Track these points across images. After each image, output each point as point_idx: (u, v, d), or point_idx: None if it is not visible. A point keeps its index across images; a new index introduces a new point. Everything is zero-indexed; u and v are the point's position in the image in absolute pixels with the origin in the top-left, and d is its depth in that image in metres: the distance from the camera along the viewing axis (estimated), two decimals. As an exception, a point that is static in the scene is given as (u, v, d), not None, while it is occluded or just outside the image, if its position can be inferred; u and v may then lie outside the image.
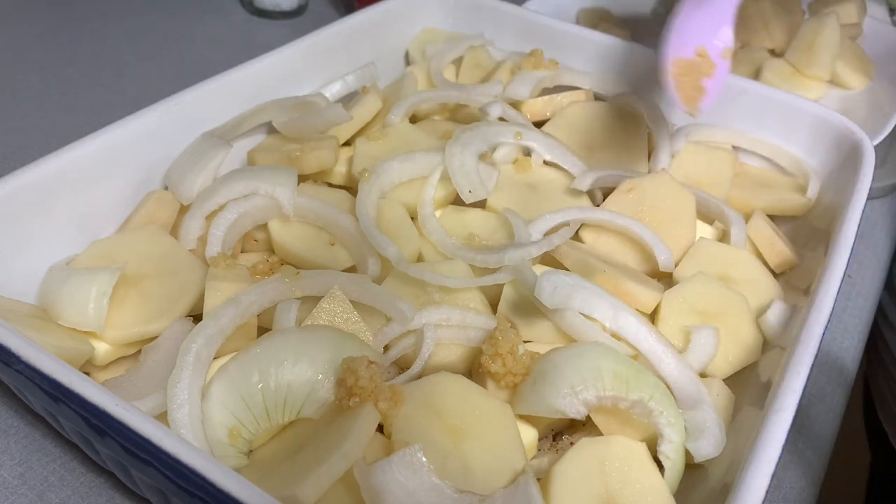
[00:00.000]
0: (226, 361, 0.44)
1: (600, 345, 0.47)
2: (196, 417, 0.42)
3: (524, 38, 0.79)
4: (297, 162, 0.60)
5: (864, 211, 0.56)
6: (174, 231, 0.56)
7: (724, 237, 0.62)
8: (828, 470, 0.56)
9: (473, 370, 0.50)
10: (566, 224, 0.57)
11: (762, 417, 0.41)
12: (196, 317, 0.49)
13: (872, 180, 0.59)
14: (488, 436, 0.43)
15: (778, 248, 0.59)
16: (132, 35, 0.98)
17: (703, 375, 0.49)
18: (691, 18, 0.61)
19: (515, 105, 0.70)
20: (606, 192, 0.62)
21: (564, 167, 0.63)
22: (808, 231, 0.63)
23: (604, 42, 0.75)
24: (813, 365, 0.44)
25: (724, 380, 0.50)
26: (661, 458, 0.43)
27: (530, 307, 0.50)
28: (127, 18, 1.02)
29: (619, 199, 0.60)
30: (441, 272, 0.52)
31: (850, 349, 0.66)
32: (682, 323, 0.52)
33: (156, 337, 0.49)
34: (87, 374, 0.48)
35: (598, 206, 0.62)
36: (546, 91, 0.73)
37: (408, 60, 0.83)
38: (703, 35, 0.62)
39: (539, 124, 0.68)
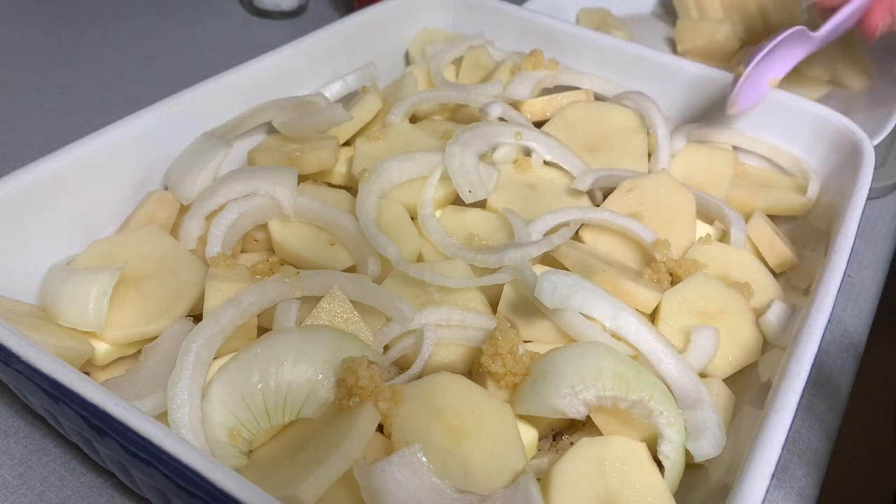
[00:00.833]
0: (226, 361, 0.44)
1: (600, 345, 0.47)
2: (196, 417, 0.42)
3: (524, 38, 0.79)
4: (297, 162, 0.60)
5: (864, 211, 0.56)
6: (174, 231, 0.56)
7: (724, 237, 0.62)
8: (828, 468, 0.56)
9: (473, 370, 0.50)
10: (566, 224, 0.57)
11: (762, 417, 0.41)
12: (196, 317, 0.49)
13: (872, 180, 0.59)
14: (488, 436, 0.43)
15: (778, 248, 0.59)
16: (132, 35, 0.98)
17: (703, 375, 0.49)
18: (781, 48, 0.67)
19: (515, 105, 0.70)
20: (606, 192, 0.62)
21: (564, 167, 0.63)
22: (808, 231, 0.63)
23: (604, 42, 0.75)
24: (813, 365, 0.44)
25: (724, 380, 0.50)
26: (661, 458, 0.43)
27: (530, 307, 0.50)
28: (127, 18, 1.02)
29: (619, 199, 0.60)
30: (441, 272, 0.52)
31: (850, 349, 0.66)
32: (682, 323, 0.52)
33: (156, 337, 0.49)
34: (87, 374, 0.48)
35: (598, 206, 0.62)
36: (546, 91, 0.73)
37: (408, 60, 0.83)
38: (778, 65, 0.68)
39: (539, 124, 0.68)
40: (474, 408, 0.44)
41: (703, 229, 0.61)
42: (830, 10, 0.72)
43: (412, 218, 0.58)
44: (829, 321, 0.47)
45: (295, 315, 0.48)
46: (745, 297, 0.54)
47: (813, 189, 0.65)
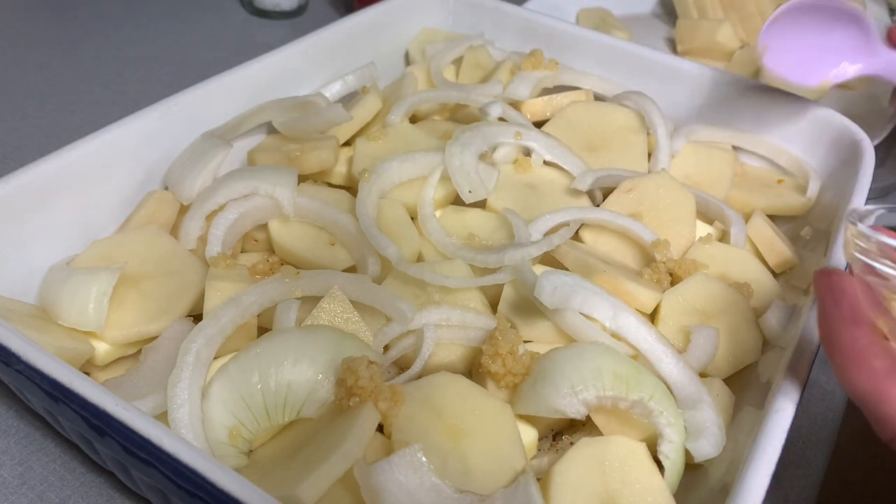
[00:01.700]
0: (226, 361, 0.44)
1: (600, 345, 0.47)
2: (196, 417, 0.42)
3: (524, 38, 0.79)
4: (297, 162, 0.60)
5: (864, 211, 0.56)
6: (174, 231, 0.56)
7: (724, 237, 0.62)
8: (828, 469, 0.56)
9: (473, 370, 0.50)
10: (566, 224, 0.57)
11: (762, 417, 0.41)
12: (196, 317, 0.49)
13: (872, 180, 0.59)
14: (488, 436, 0.43)
15: (778, 248, 0.59)
16: (132, 35, 0.98)
17: (703, 375, 0.49)
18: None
19: (515, 105, 0.70)
20: (606, 192, 0.62)
21: (564, 167, 0.63)
22: (808, 231, 0.63)
23: (604, 42, 0.75)
24: (813, 365, 0.44)
25: (724, 380, 0.50)
26: (661, 458, 0.43)
27: (530, 307, 0.50)
28: (127, 18, 1.02)
29: (619, 199, 0.60)
30: (441, 272, 0.52)
31: (850, 349, 0.65)
32: (682, 323, 0.52)
33: (156, 337, 0.49)
34: (87, 374, 0.48)
35: (598, 206, 0.62)
36: (546, 91, 0.73)
37: (408, 60, 0.83)
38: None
39: (539, 124, 0.68)
40: (474, 408, 0.44)
41: (703, 229, 0.61)
42: None
43: (412, 218, 0.58)
44: (829, 321, 0.47)
45: (295, 315, 0.48)
46: (745, 297, 0.54)
47: (813, 189, 0.65)
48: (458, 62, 0.78)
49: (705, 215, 0.63)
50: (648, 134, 0.68)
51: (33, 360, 0.39)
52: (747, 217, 0.62)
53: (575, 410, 0.43)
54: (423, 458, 0.39)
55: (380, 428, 0.42)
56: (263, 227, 0.57)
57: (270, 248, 0.57)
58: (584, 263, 0.53)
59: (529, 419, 0.46)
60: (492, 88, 0.70)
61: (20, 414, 0.51)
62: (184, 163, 0.59)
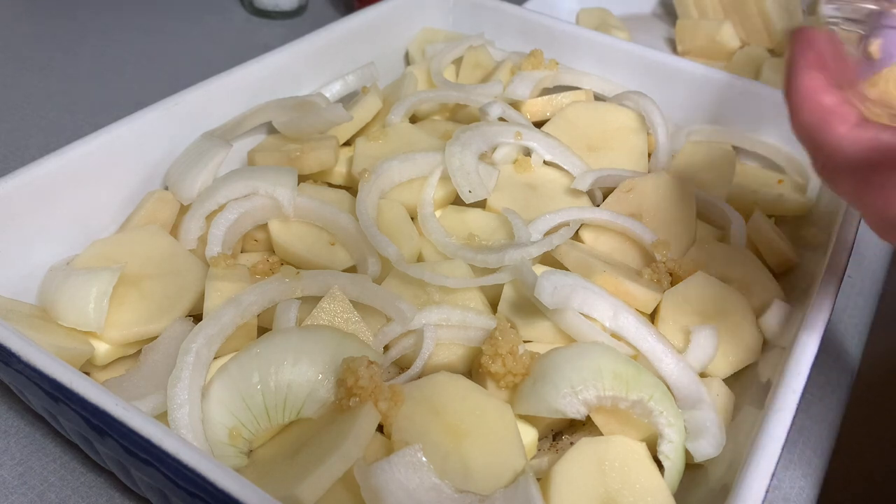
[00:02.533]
0: (226, 361, 0.44)
1: (600, 345, 0.47)
2: (196, 417, 0.42)
3: (524, 38, 0.79)
4: (297, 162, 0.60)
5: (864, 211, 0.56)
6: (174, 231, 0.56)
7: (724, 237, 0.62)
8: (828, 469, 0.56)
9: (473, 370, 0.50)
10: (566, 224, 0.57)
11: (762, 417, 0.41)
12: (196, 317, 0.49)
13: (872, 180, 0.59)
14: (488, 436, 0.43)
15: (778, 248, 0.59)
16: (132, 35, 0.98)
17: (703, 375, 0.49)
18: None
19: (515, 105, 0.70)
20: (606, 192, 0.62)
21: (564, 167, 0.63)
22: (808, 231, 0.63)
23: (604, 42, 0.75)
24: (813, 365, 0.44)
25: (724, 380, 0.50)
26: (661, 458, 0.43)
27: (530, 307, 0.50)
28: (127, 18, 1.02)
29: (619, 199, 0.60)
30: (441, 272, 0.52)
31: (850, 349, 0.66)
32: (682, 323, 0.52)
33: (156, 337, 0.49)
34: (87, 374, 0.48)
35: (598, 206, 0.62)
36: (546, 91, 0.73)
37: (408, 60, 0.83)
38: None
39: (539, 124, 0.68)
40: (474, 408, 0.44)
41: (703, 229, 0.61)
42: None
43: (412, 218, 0.58)
44: (828, 321, 0.47)
45: (295, 315, 0.48)
46: (745, 297, 0.54)
47: (813, 189, 0.65)
48: (458, 62, 0.78)
49: (705, 215, 0.63)
50: (648, 134, 0.68)
51: (33, 360, 0.39)
52: (747, 217, 0.62)
53: (575, 410, 0.43)
54: (423, 458, 0.39)
55: (380, 428, 0.42)
56: (263, 227, 0.57)
57: (270, 248, 0.57)
58: (584, 263, 0.53)
59: (529, 419, 0.46)
60: (492, 88, 0.70)
61: (20, 414, 0.51)
62: (184, 163, 0.59)
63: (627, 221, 0.57)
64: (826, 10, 0.37)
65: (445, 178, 0.59)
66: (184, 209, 0.57)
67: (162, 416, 0.42)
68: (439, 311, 0.49)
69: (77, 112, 0.83)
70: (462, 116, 0.72)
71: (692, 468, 0.44)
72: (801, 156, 0.69)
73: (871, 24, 0.37)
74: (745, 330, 0.52)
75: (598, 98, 0.73)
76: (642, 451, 0.44)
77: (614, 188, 0.61)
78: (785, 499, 0.53)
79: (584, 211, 0.58)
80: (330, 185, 0.63)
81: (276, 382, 0.43)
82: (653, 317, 0.53)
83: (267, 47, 0.67)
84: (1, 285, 0.49)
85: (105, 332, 0.48)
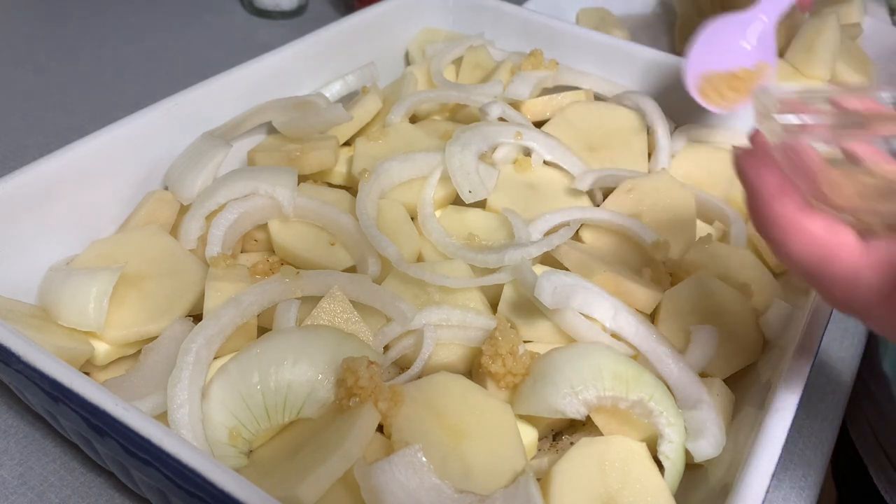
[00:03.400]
0: (226, 361, 0.44)
1: (600, 345, 0.47)
2: (196, 417, 0.42)
3: (524, 38, 0.79)
4: (297, 162, 0.60)
5: (864, 211, 0.56)
6: (174, 231, 0.56)
7: (724, 237, 0.62)
8: (828, 468, 0.56)
9: (473, 370, 0.50)
10: (566, 224, 0.57)
11: (762, 417, 0.41)
12: (196, 317, 0.49)
13: (872, 180, 0.59)
14: (488, 436, 0.43)
15: (778, 248, 0.59)
16: (132, 35, 0.98)
17: (703, 375, 0.49)
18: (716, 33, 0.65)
19: (515, 105, 0.70)
20: (606, 192, 0.62)
21: (564, 167, 0.63)
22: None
23: (604, 42, 0.75)
24: (813, 365, 0.44)
25: (724, 380, 0.50)
26: (661, 458, 0.43)
27: (530, 307, 0.50)
28: (127, 18, 1.02)
29: (619, 199, 0.60)
30: (441, 272, 0.52)
31: (850, 349, 0.66)
32: (682, 323, 0.52)
33: (156, 337, 0.49)
34: (87, 374, 0.48)
35: (598, 206, 0.62)
36: (546, 91, 0.73)
37: (408, 60, 0.83)
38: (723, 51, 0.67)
39: (539, 124, 0.68)
40: (474, 408, 0.44)
41: (703, 229, 0.61)
42: None
43: (412, 218, 0.58)
44: (828, 321, 0.47)
45: (295, 315, 0.48)
46: (745, 297, 0.54)
47: (813, 189, 0.65)
48: (458, 62, 0.78)
49: (705, 215, 0.63)
50: (648, 134, 0.68)
51: (33, 360, 0.39)
52: (747, 217, 0.62)
53: (575, 410, 0.43)
54: (423, 458, 0.39)
55: (380, 428, 0.42)
56: (263, 227, 0.57)
57: (270, 248, 0.57)
58: (584, 263, 0.53)
59: (529, 419, 0.46)
60: (492, 88, 0.70)
61: (20, 414, 0.51)
62: (184, 163, 0.59)
63: (627, 221, 0.57)
64: (785, 118, 0.33)
65: (445, 178, 0.59)
66: (184, 209, 0.57)
67: (162, 416, 0.42)
68: (439, 311, 0.49)
69: (77, 112, 0.83)
70: (462, 116, 0.72)
71: (692, 468, 0.44)
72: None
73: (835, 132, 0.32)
74: (745, 330, 0.52)
75: (598, 98, 0.73)
76: (642, 451, 0.44)
77: (614, 188, 0.61)
78: (785, 499, 0.53)
79: (584, 211, 0.58)
80: (330, 185, 0.63)
81: (276, 382, 0.43)
82: (653, 317, 0.53)
83: (267, 47, 0.67)
84: (1, 285, 0.49)
85: (105, 332, 0.48)
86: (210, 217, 0.55)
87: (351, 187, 0.62)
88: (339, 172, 0.63)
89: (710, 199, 0.62)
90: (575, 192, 0.61)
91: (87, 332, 0.48)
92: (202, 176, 0.57)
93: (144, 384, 0.45)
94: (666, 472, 0.43)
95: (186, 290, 0.51)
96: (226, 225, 0.54)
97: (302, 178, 0.61)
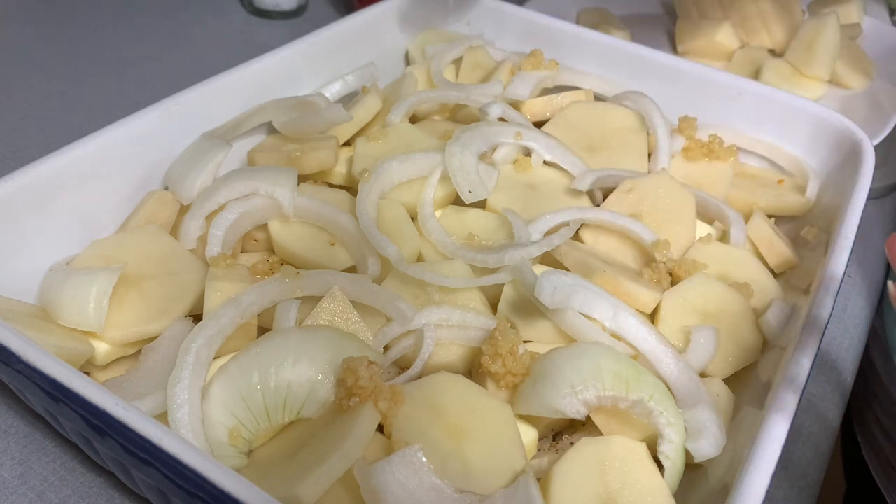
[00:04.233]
0: (226, 361, 0.44)
1: (600, 345, 0.47)
2: (196, 417, 0.42)
3: (524, 38, 0.79)
4: (297, 162, 0.60)
5: (864, 211, 0.56)
6: (174, 231, 0.56)
7: (724, 237, 0.62)
8: (828, 468, 0.56)
9: (473, 370, 0.50)
10: (566, 224, 0.57)
11: (762, 417, 0.41)
12: (196, 317, 0.49)
13: (872, 180, 0.59)
14: (488, 436, 0.43)
15: (778, 248, 0.59)
16: (132, 35, 0.98)
17: (703, 375, 0.49)
18: None
19: (515, 105, 0.70)
20: (606, 192, 0.62)
21: (564, 167, 0.63)
22: (808, 231, 0.63)
23: (604, 42, 0.75)
24: (813, 365, 0.44)
25: (724, 380, 0.50)
26: (661, 458, 0.43)
27: (530, 307, 0.50)
28: (127, 18, 1.02)
29: (619, 199, 0.60)
30: (441, 272, 0.52)
31: (850, 349, 0.66)
32: (682, 323, 0.52)
33: (156, 337, 0.49)
34: (87, 374, 0.48)
35: (598, 206, 0.62)
36: (546, 91, 0.73)
37: (408, 60, 0.83)
38: None
39: (539, 124, 0.68)
40: (474, 408, 0.44)
41: (703, 229, 0.61)
42: None
43: (412, 218, 0.58)
44: (829, 321, 0.47)
45: (295, 315, 0.48)
46: (745, 297, 0.54)
47: (812, 189, 0.65)
48: (458, 62, 0.78)
49: (705, 215, 0.63)
50: (648, 134, 0.68)
51: (33, 360, 0.39)
52: (747, 217, 0.62)
53: (575, 410, 0.43)
54: (423, 458, 0.39)
55: (380, 428, 0.42)
56: (263, 227, 0.57)
57: (270, 248, 0.57)
58: (584, 263, 0.53)
59: (529, 419, 0.46)
60: (492, 88, 0.70)
61: (20, 414, 0.51)
62: (184, 163, 0.59)
63: (627, 221, 0.57)
64: None
65: (445, 178, 0.59)
66: (184, 209, 0.57)
67: (162, 416, 0.42)
68: (439, 311, 0.49)
69: (77, 112, 0.83)
70: (462, 116, 0.72)
71: (692, 468, 0.44)
72: (800, 156, 0.69)
73: None
74: (745, 330, 0.52)
75: (598, 98, 0.73)
76: (642, 451, 0.44)
77: (614, 188, 0.61)
78: (785, 498, 0.53)
79: (584, 211, 0.58)
80: (330, 185, 0.63)
81: (276, 382, 0.43)
82: (653, 317, 0.53)
83: (267, 47, 0.67)
84: (1, 285, 0.49)
85: (105, 332, 0.48)
86: (210, 217, 0.55)
87: (351, 187, 0.62)
88: (339, 172, 0.63)
89: (710, 199, 0.62)
90: (575, 192, 0.61)
91: (87, 332, 0.48)
92: (202, 176, 0.57)
93: (144, 384, 0.45)
94: (666, 472, 0.43)
95: (186, 290, 0.51)
96: (226, 225, 0.54)
97: (302, 178, 0.61)
